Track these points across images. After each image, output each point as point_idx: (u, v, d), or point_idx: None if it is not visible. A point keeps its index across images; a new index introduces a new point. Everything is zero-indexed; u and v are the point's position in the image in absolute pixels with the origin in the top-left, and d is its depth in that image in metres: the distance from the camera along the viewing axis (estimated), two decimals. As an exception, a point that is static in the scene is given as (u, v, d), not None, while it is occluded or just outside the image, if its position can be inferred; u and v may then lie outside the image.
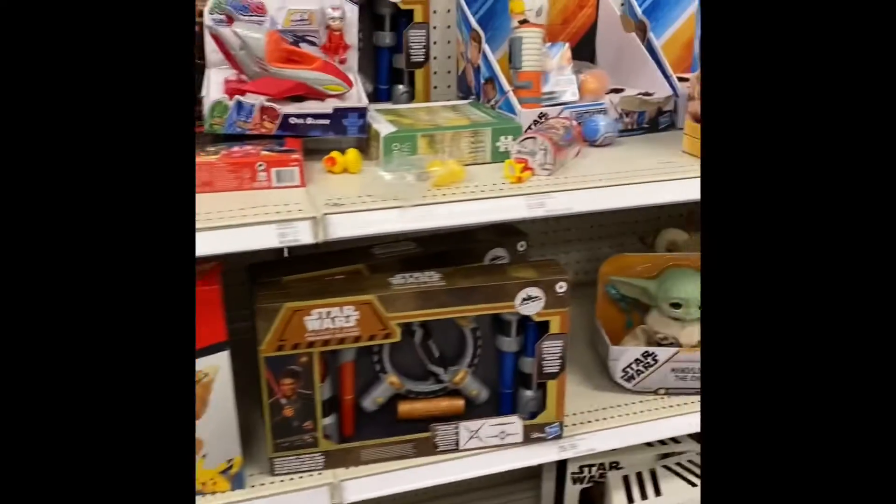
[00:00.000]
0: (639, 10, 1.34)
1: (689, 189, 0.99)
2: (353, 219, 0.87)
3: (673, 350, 1.15)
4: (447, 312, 0.99)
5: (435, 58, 1.32)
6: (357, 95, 1.07)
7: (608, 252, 1.56)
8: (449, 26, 1.31)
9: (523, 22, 1.12)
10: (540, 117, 1.12)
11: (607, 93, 1.25)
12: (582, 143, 1.08)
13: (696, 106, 1.07)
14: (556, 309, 1.02)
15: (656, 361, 1.16)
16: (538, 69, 1.14)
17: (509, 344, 1.06)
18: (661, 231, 1.37)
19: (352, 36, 1.11)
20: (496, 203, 0.92)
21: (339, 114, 1.03)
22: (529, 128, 1.10)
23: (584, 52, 1.36)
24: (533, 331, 1.05)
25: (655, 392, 1.18)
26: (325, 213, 0.86)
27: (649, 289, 1.19)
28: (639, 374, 1.17)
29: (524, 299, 1.00)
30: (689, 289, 1.15)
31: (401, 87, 1.27)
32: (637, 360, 1.17)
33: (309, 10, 1.08)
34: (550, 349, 1.03)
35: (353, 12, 1.11)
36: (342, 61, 1.10)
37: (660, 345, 1.18)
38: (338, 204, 0.88)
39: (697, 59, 1.05)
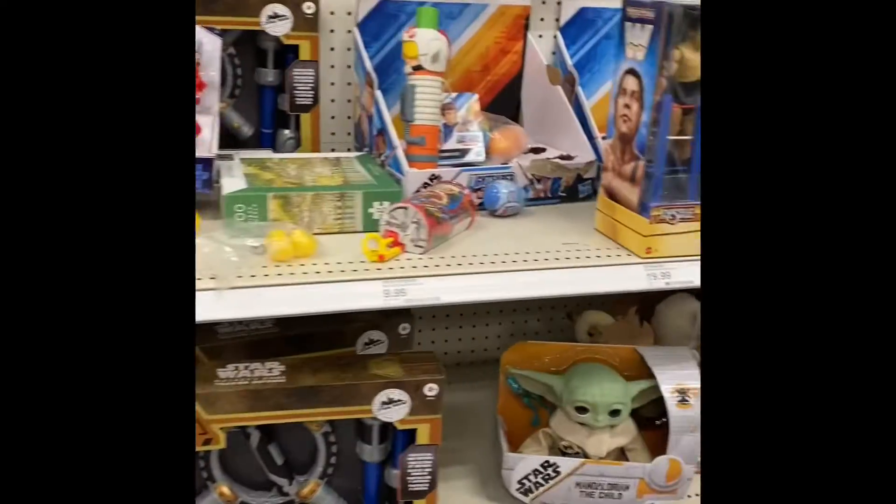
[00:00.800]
0: (569, 61, 1.18)
1: (590, 279, 0.82)
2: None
3: (576, 461, 0.97)
4: (285, 416, 0.80)
5: (333, 101, 1.15)
6: (207, 144, 0.89)
7: (534, 326, 1.39)
8: (349, 66, 1.14)
9: (417, 68, 0.96)
10: (431, 180, 0.95)
11: (525, 153, 1.09)
12: (473, 213, 0.91)
13: (609, 178, 0.90)
14: (425, 416, 0.84)
15: (558, 473, 0.98)
16: (433, 123, 0.97)
17: (370, 453, 0.88)
18: (584, 312, 1.20)
19: (211, 72, 0.94)
20: (345, 288, 0.75)
21: (179, 164, 0.85)
22: (419, 191, 0.93)
23: (506, 104, 1.20)
24: (403, 438, 0.87)
25: (557, 509, 1.00)
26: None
27: (554, 386, 1.01)
28: (538, 487, 0.99)
29: (384, 403, 0.82)
30: (597, 391, 0.97)
31: (286, 132, 1.10)
32: (536, 470, 0.98)
33: (158, 40, 0.91)
34: (417, 463, 0.85)
35: (213, 45, 0.94)
36: (196, 101, 0.93)
37: (563, 453, 1.00)
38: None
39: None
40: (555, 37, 1.22)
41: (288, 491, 0.87)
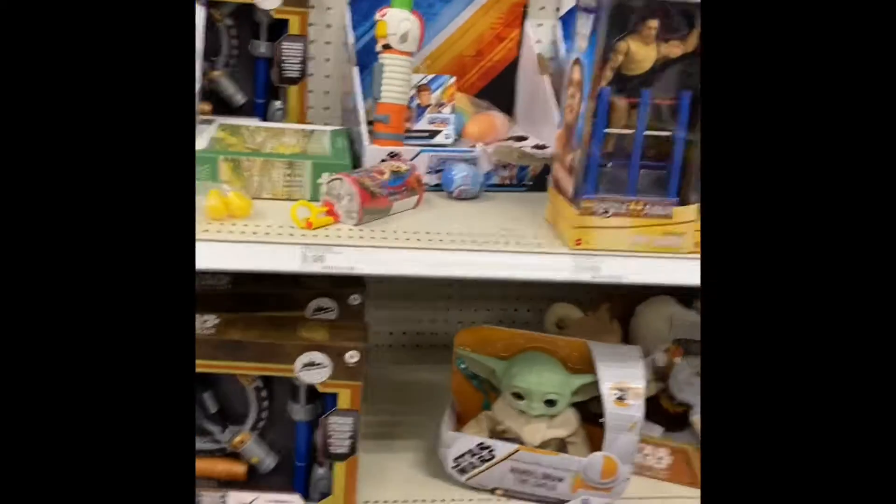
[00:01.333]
0: (563, 52, 1.17)
1: (510, 265, 0.83)
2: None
3: (512, 446, 0.98)
4: (211, 366, 0.85)
5: (327, 77, 1.19)
6: (177, 106, 0.95)
7: (523, 316, 1.39)
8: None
9: (386, 47, 0.98)
10: (390, 157, 0.97)
11: (505, 140, 1.09)
12: (421, 191, 0.93)
13: (556, 168, 0.90)
14: (346, 381, 0.87)
15: (493, 457, 0.99)
16: (399, 102, 0.99)
17: (298, 412, 0.92)
18: (553, 305, 1.20)
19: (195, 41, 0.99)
20: (263, 249, 0.78)
21: (147, 123, 0.91)
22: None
23: (500, 92, 1.21)
24: (331, 401, 0.90)
25: (492, 491, 1.01)
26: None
27: (496, 370, 1.01)
28: (473, 468, 1.00)
29: (305, 364, 0.85)
30: (534, 379, 0.97)
31: (277, 103, 1.14)
32: (471, 451, 1.00)
33: (144, 6, 0.97)
34: (338, 427, 0.88)
35: (198, 14, 0.99)
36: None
37: (501, 437, 1.01)
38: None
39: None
40: (554, 26, 1.21)
41: (220, 438, 0.93)
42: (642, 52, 0.81)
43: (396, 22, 0.97)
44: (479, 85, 1.21)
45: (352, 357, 0.85)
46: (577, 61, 0.84)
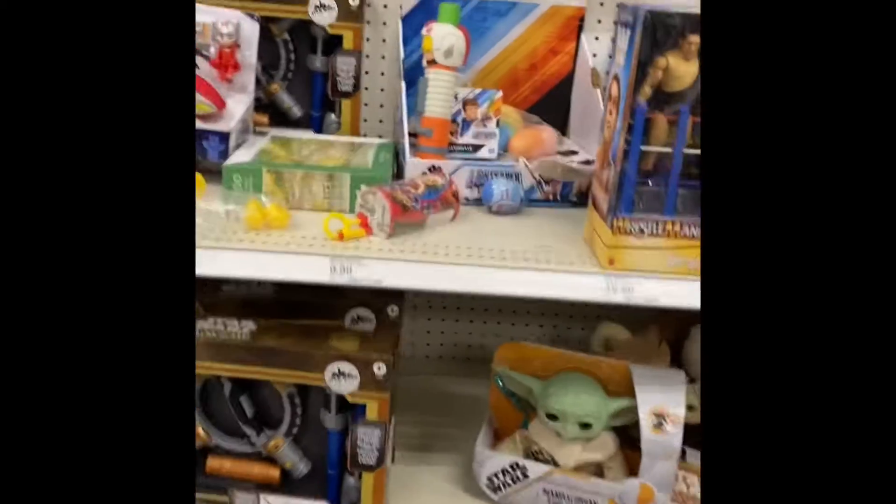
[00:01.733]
0: (619, 66, 1.15)
1: (540, 283, 0.81)
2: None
3: (545, 468, 0.96)
4: (245, 371, 0.88)
5: (382, 90, 1.21)
6: (227, 119, 0.98)
7: (574, 334, 1.37)
8: (402, 58, 1.19)
9: (431, 62, 0.99)
10: (431, 170, 0.98)
11: (553, 155, 1.08)
12: (457, 205, 0.93)
13: (594, 185, 0.88)
14: (374, 392, 0.87)
15: (526, 476, 0.97)
16: (442, 116, 1.00)
17: (331, 420, 0.93)
18: (600, 324, 1.17)
19: (248, 54, 1.03)
20: (292, 259, 0.80)
21: (198, 135, 0.95)
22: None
23: (555, 106, 1.20)
24: (361, 411, 0.91)
25: (525, 512, 1.00)
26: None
27: (534, 390, 1.00)
28: (506, 487, 0.99)
29: (334, 374, 0.87)
30: (570, 401, 0.95)
31: (332, 115, 1.17)
32: (504, 470, 0.98)
33: (203, 22, 1.01)
34: (366, 437, 0.89)
35: (252, 29, 1.03)
36: (228, 80, 1.02)
37: (535, 458, 0.99)
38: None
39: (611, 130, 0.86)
40: (612, 39, 1.19)
41: (255, 442, 0.95)
42: (682, 68, 0.78)
43: (441, 37, 0.97)
44: (533, 99, 1.20)
45: (379, 368, 0.86)
46: (615, 77, 0.82)
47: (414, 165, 0.97)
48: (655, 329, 1.13)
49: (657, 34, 0.75)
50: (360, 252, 0.82)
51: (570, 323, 1.35)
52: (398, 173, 1.02)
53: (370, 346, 0.88)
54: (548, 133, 1.09)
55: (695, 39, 0.77)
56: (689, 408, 1.03)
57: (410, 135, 1.01)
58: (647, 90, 0.78)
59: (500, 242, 0.87)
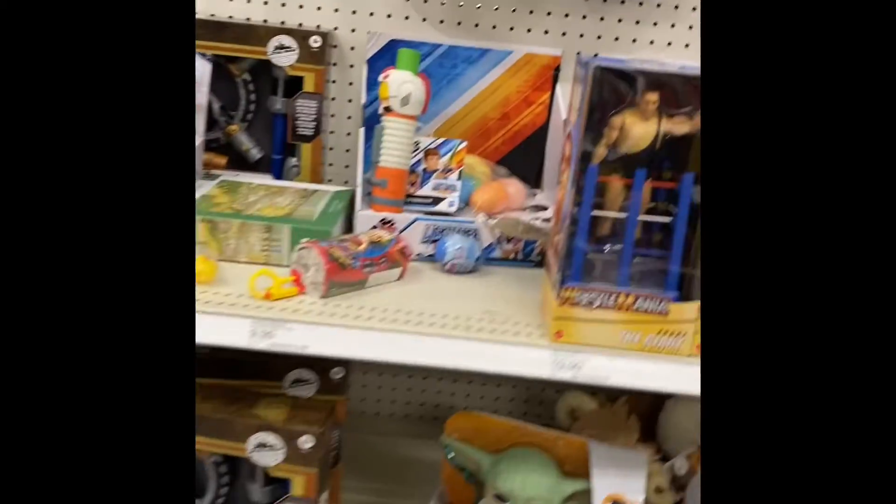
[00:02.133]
0: (595, 118, 1.09)
1: (481, 355, 0.74)
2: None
3: (491, 554, 0.88)
4: (162, 436, 0.81)
5: (349, 134, 1.16)
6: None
7: (537, 395, 1.28)
8: (370, 102, 1.14)
9: (387, 110, 0.93)
10: (381, 223, 0.92)
11: (521, 210, 1.02)
12: (405, 263, 0.86)
13: (549, 252, 0.81)
14: (300, 466, 0.80)
15: (472, 561, 0.89)
16: (397, 166, 0.94)
17: (257, 493, 0.86)
18: (565, 392, 1.09)
19: (198, 95, 0.99)
20: (207, 320, 0.74)
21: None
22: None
23: (528, 157, 1.14)
24: (289, 486, 0.84)
25: None
26: None
27: (482, 466, 0.92)
28: (450, 571, 0.91)
29: (258, 445, 0.80)
30: (519, 481, 0.87)
31: (293, 160, 1.12)
32: (449, 552, 0.90)
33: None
34: (291, 514, 0.82)
35: (203, 69, 0.98)
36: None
37: (483, 540, 0.91)
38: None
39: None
40: (588, 91, 1.13)
41: (176, 511, 0.88)
42: (640, 128, 0.72)
43: (398, 84, 0.92)
44: (504, 150, 1.14)
45: (305, 442, 0.79)
46: (569, 135, 0.76)
47: (365, 218, 0.91)
48: (623, 401, 1.06)
49: (604, 92, 0.69)
50: (286, 314, 0.75)
51: (533, 385, 1.27)
52: (350, 226, 0.96)
53: (300, 416, 0.81)
54: (514, 187, 1.02)
55: (652, 98, 0.70)
56: (657, 490, 0.96)
57: (369, 184, 0.95)
58: (600, 151, 0.72)
59: (444, 307, 0.80)
